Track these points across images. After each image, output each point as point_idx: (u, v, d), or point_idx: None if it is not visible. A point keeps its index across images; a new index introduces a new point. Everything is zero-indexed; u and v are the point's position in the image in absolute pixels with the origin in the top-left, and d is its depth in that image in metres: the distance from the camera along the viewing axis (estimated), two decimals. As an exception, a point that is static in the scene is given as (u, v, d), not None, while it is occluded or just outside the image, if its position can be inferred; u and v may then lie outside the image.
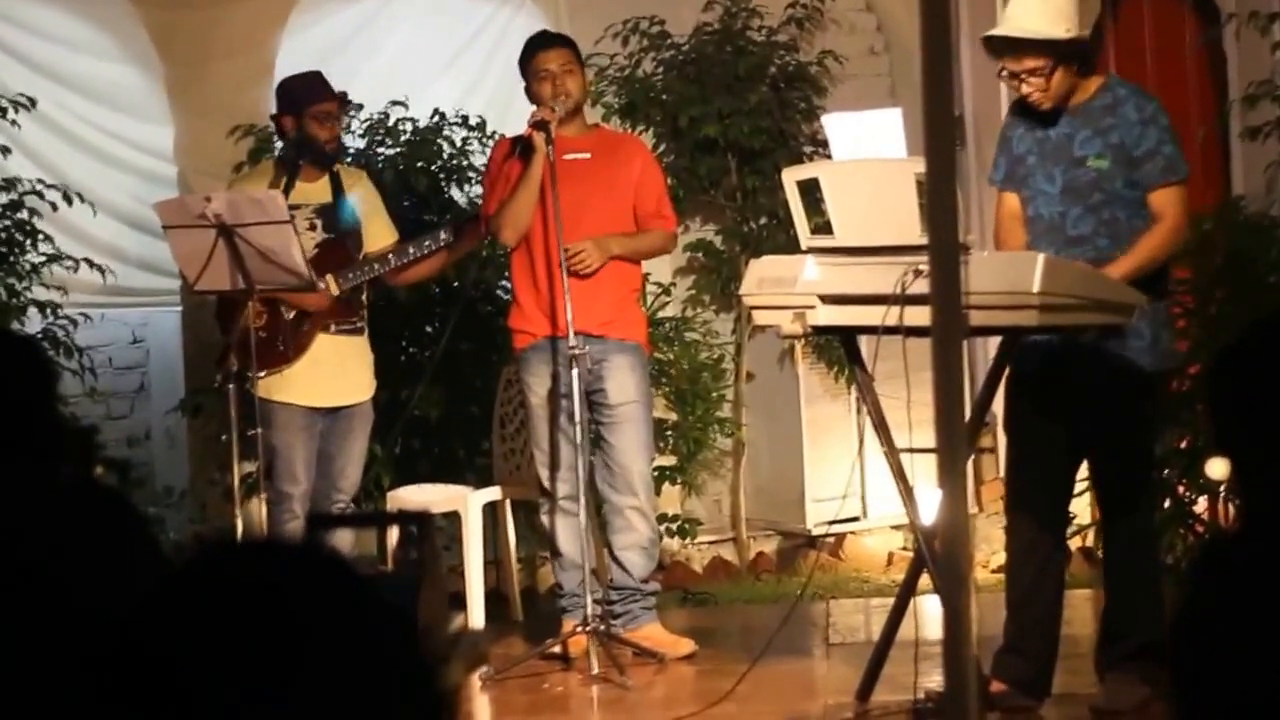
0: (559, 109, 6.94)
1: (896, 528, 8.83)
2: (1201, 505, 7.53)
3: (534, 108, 7.02)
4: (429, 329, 8.30)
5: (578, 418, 6.79)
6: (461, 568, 7.47)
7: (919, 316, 5.03)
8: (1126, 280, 5.72)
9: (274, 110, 7.48)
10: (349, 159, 7.83)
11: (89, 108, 8.62)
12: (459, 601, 7.28)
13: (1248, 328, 2.25)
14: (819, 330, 6.16)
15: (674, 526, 8.57)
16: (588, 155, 7.08)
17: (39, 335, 7.53)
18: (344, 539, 5.10)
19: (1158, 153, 5.85)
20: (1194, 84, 9.00)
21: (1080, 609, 7.05)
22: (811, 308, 5.96)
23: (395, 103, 8.44)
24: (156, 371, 8.76)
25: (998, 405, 6.35)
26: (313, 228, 7.22)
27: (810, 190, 6.18)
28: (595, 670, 6.69)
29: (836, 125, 6.31)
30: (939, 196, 2.11)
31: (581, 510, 6.79)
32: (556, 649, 7.01)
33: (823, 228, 6.12)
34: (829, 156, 6.58)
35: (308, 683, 1.47)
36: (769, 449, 9.01)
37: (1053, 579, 6.05)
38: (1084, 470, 6.21)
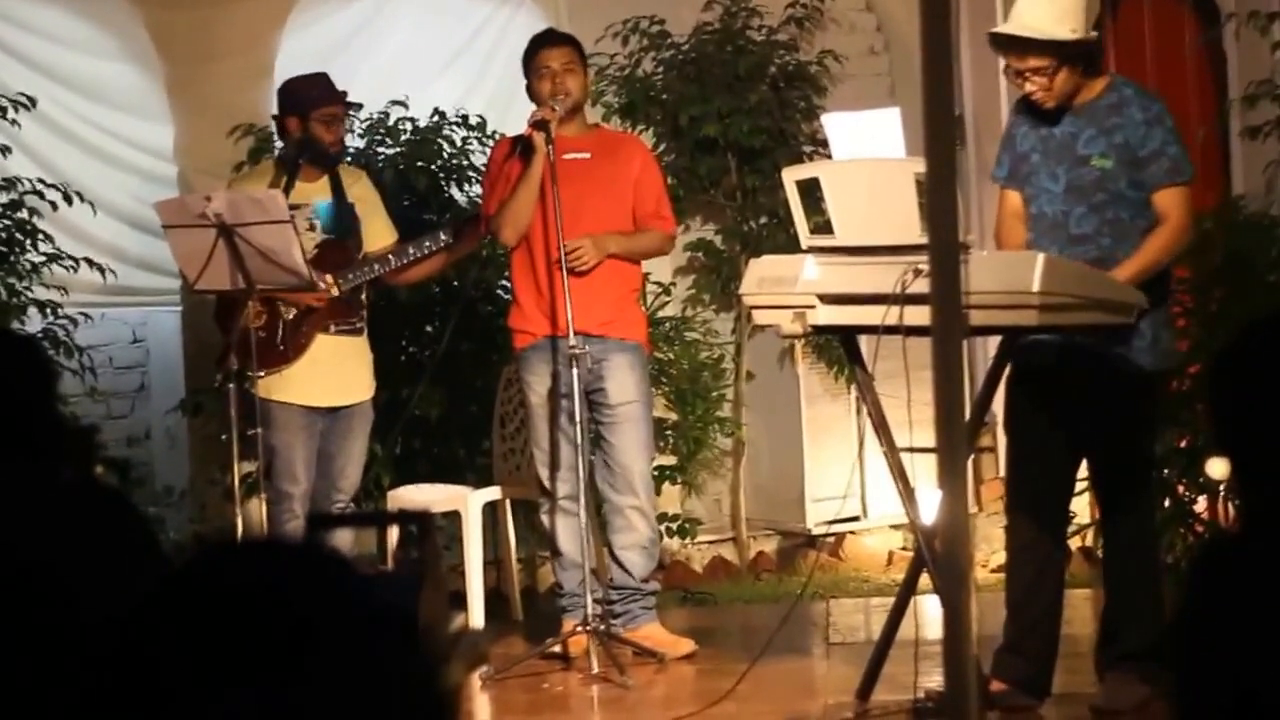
0: (559, 108, 6.93)
1: (896, 527, 8.83)
2: (1201, 505, 7.53)
3: (534, 107, 7.02)
4: (429, 329, 8.30)
5: (578, 417, 6.80)
6: (462, 567, 7.47)
7: (919, 316, 5.02)
8: (1133, 282, 5.73)
9: (276, 110, 7.48)
10: (348, 159, 7.82)
11: (89, 107, 8.61)
12: (459, 601, 7.28)
13: (1247, 327, 2.25)
14: (819, 330, 6.16)
15: (674, 526, 8.56)
16: (587, 155, 7.08)
17: (39, 335, 7.52)
18: (344, 539, 5.10)
19: (1163, 153, 5.85)
20: (1194, 84, 9.00)
21: (1080, 609, 7.05)
22: (811, 307, 5.96)
23: (395, 102, 8.44)
24: (157, 371, 8.76)
25: (998, 405, 6.35)
26: (312, 228, 7.22)
27: (810, 190, 6.18)
28: (595, 670, 6.69)
29: (836, 125, 6.31)
30: (939, 196, 2.11)
31: (582, 510, 6.79)
32: (556, 648, 7.01)
33: (823, 227, 6.12)
34: (829, 156, 6.58)
35: (308, 683, 1.47)
36: (769, 449, 9.01)
37: (1053, 578, 6.05)
38: (1084, 470, 6.22)
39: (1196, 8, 9.14)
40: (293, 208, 7.01)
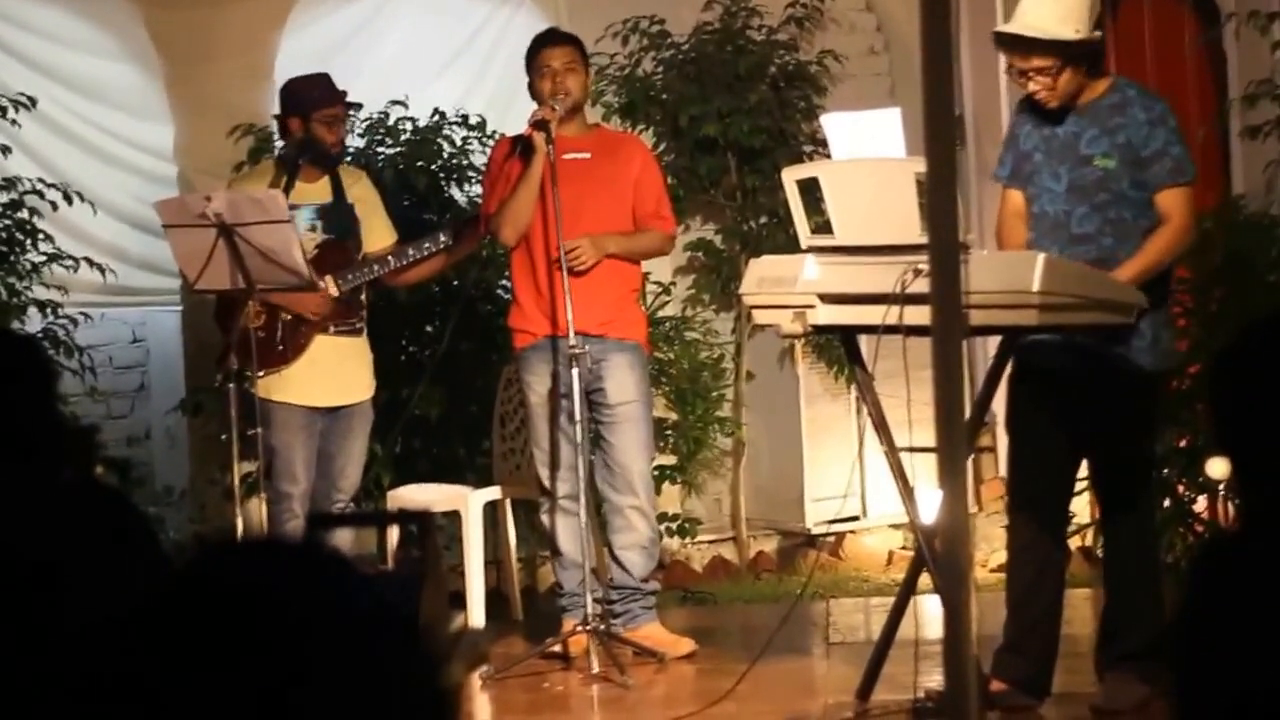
0: (559, 107, 6.94)
1: (896, 527, 8.83)
2: (1201, 505, 7.54)
3: (534, 106, 7.03)
4: (429, 328, 8.30)
5: (578, 417, 6.80)
6: (462, 567, 7.47)
7: (919, 316, 5.03)
8: (1135, 283, 5.73)
9: (277, 109, 7.48)
10: (348, 159, 7.82)
11: (89, 107, 8.61)
12: (459, 601, 7.28)
13: (1247, 327, 2.25)
14: (819, 329, 6.16)
15: (674, 526, 8.57)
16: (587, 155, 7.08)
17: (39, 335, 7.52)
18: (344, 539, 5.10)
19: (1166, 154, 5.85)
20: (1194, 83, 9.00)
21: (1080, 608, 7.05)
22: (811, 307, 5.96)
23: (395, 102, 8.44)
24: (157, 371, 8.76)
25: (998, 404, 6.36)
26: (313, 228, 7.22)
27: (810, 189, 6.18)
28: (595, 669, 6.69)
29: (836, 125, 6.31)
30: (939, 196, 2.11)
31: (582, 509, 6.79)
32: (557, 648, 7.02)
33: (822, 227, 6.13)
34: (829, 156, 6.58)
35: (308, 683, 1.47)
36: (769, 448, 9.01)
37: (1053, 578, 6.05)
38: (1084, 470, 6.22)
39: (1196, 7, 9.13)
40: (293, 208, 7.01)
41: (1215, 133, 8.48)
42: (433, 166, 8.41)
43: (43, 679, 2.45)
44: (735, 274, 8.44)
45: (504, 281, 8.01)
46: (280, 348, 7.11)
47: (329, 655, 1.48)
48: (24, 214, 7.77)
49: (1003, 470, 8.31)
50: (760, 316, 6.37)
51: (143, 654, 1.48)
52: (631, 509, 7.08)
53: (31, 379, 2.94)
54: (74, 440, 3.05)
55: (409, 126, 8.44)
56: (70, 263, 7.84)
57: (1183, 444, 7.40)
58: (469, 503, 7.58)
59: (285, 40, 8.72)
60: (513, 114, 7.95)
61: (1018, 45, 5.87)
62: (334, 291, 7.15)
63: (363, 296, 7.31)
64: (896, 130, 5.99)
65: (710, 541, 8.93)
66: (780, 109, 8.82)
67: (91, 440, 3.17)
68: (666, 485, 8.50)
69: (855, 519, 8.80)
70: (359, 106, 7.71)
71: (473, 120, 8.53)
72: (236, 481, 6.85)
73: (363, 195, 7.38)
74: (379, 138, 8.42)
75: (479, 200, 7.73)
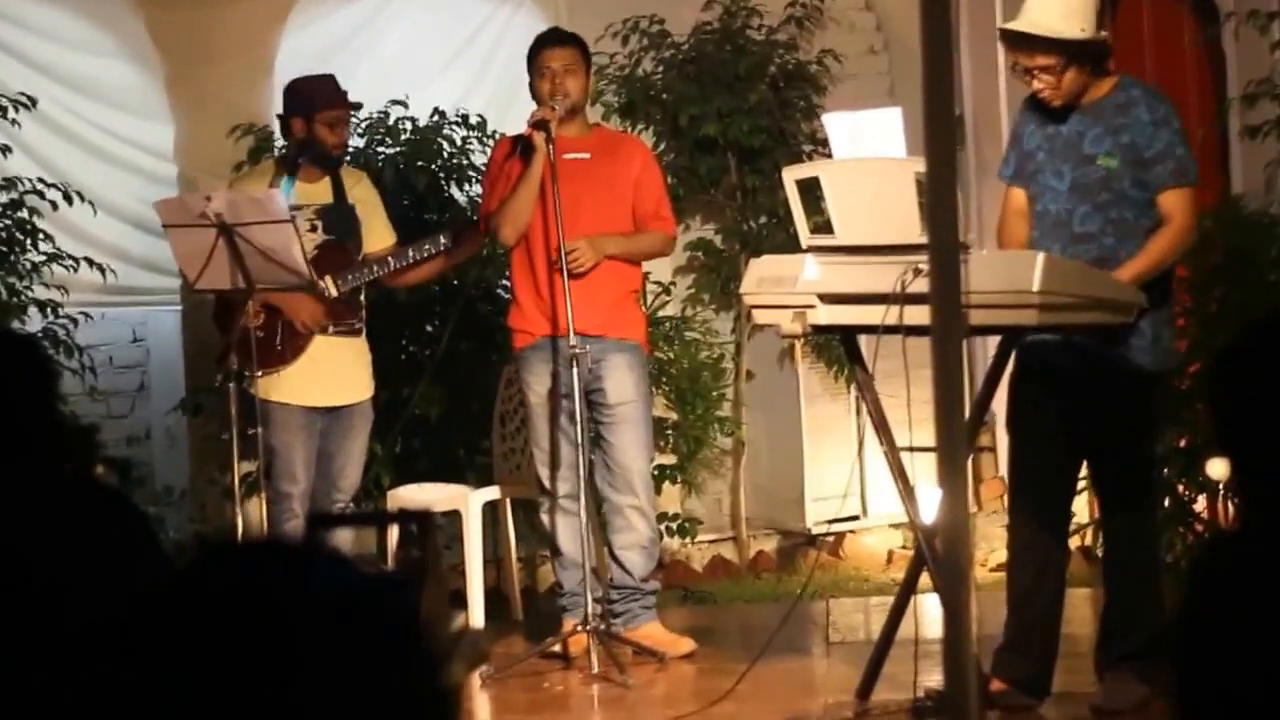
0: (558, 108, 6.94)
1: (896, 526, 8.84)
2: (1201, 505, 7.54)
3: (535, 106, 7.03)
4: (429, 328, 8.30)
5: (578, 417, 6.80)
6: (462, 566, 7.47)
7: (919, 315, 5.03)
8: (1135, 283, 5.73)
9: (278, 109, 7.47)
10: (348, 159, 7.82)
11: (89, 106, 8.62)
12: (459, 600, 7.28)
13: (1248, 327, 2.25)
14: (819, 329, 6.16)
15: (674, 525, 8.57)
16: (587, 155, 7.08)
17: (39, 334, 7.52)
18: (344, 538, 5.10)
19: (1169, 154, 5.85)
20: (1193, 83, 9.00)
21: (1080, 608, 7.05)
22: (811, 307, 5.96)
23: (395, 102, 8.44)
24: (157, 371, 8.76)
25: (997, 404, 6.36)
26: (313, 229, 7.22)
27: (810, 189, 6.18)
28: (595, 669, 6.69)
29: (836, 124, 6.31)
30: (939, 196, 2.11)
31: (582, 509, 6.79)
32: (557, 648, 7.02)
33: (823, 227, 6.12)
34: (829, 155, 6.58)
35: (309, 684, 1.47)
36: (769, 448, 9.01)
37: (1053, 578, 6.05)
38: (1084, 469, 6.22)
39: (1196, 7, 9.14)
40: (294, 208, 7.02)
41: (1214, 132, 8.49)
42: (433, 166, 8.41)
43: (43, 680, 2.45)
44: (735, 274, 8.44)
45: (504, 281, 8.01)
46: (279, 348, 7.11)
47: (329, 656, 1.48)
48: (24, 214, 7.77)
49: (1002, 470, 8.32)
50: (760, 316, 6.37)
51: (143, 657, 1.48)
52: (631, 509, 7.08)
53: (32, 379, 2.94)
54: (74, 440, 3.05)
55: (409, 126, 8.44)
56: (70, 262, 7.84)
57: (1183, 444, 7.41)
58: (469, 502, 7.58)
59: (285, 40, 8.72)
60: (513, 114, 7.95)
61: (1023, 43, 5.87)
62: (333, 292, 7.15)
63: (361, 297, 7.32)
64: (897, 130, 5.99)
65: (710, 541, 8.93)
66: (780, 109, 8.82)
67: (91, 440, 3.17)
68: (667, 485, 8.50)
69: (855, 519, 8.80)
70: (359, 106, 7.71)
71: (473, 120, 8.53)
72: (236, 481, 6.85)
73: (364, 196, 7.38)
74: (379, 137, 8.42)
75: (479, 200, 7.73)
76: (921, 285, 5.46)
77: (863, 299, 5.81)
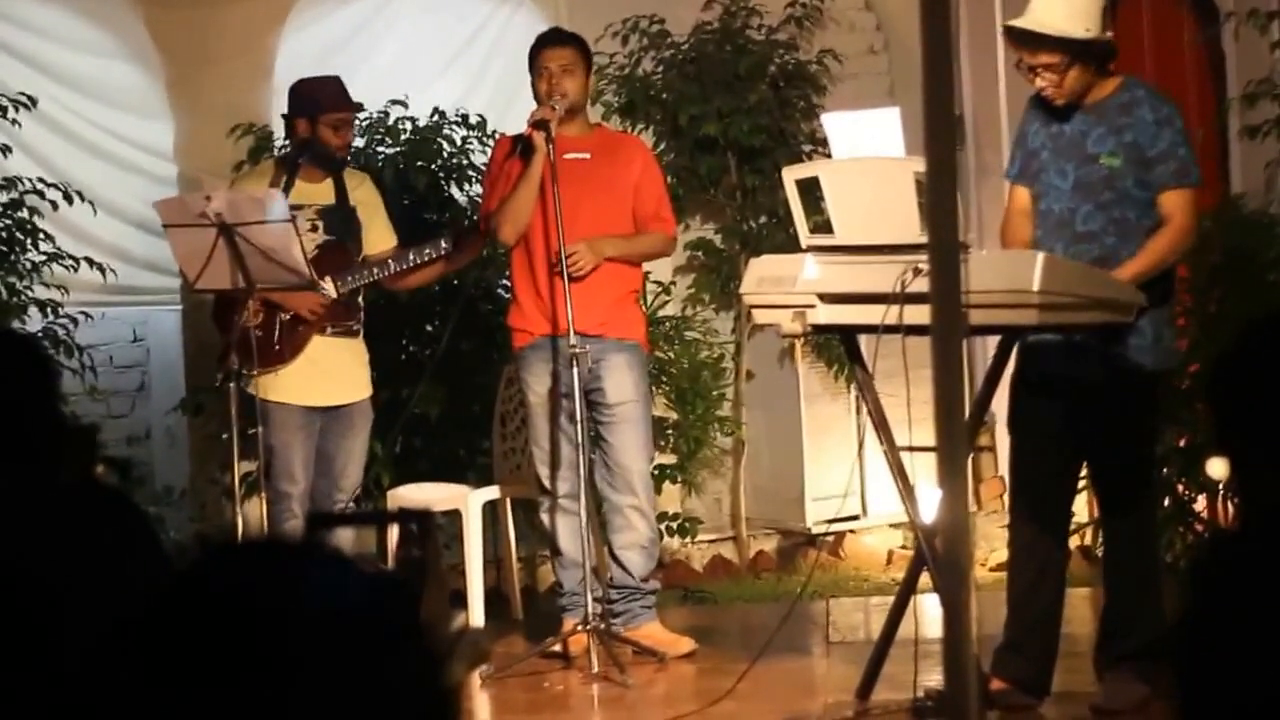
0: (558, 108, 6.94)
1: (896, 526, 8.84)
2: (1201, 505, 7.54)
3: (535, 105, 7.03)
4: (429, 327, 8.30)
5: (578, 416, 6.80)
6: (462, 566, 7.48)
7: (919, 315, 5.03)
8: (1135, 283, 5.74)
9: (278, 108, 7.47)
10: (349, 159, 7.82)
11: (89, 106, 8.61)
12: (459, 600, 7.28)
13: (1248, 327, 2.25)
14: (819, 329, 6.16)
15: (674, 525, 8.57)
16: (587, 155, 7.08)
17: (39, 334, 7.52)
18: (344, 538, 5.10)
19: (1171, 155, 5.86)
20: (1193, 82, 9.01)
21: (1079, 608, 7.05)
22: (811, 306, 5.96)
23: (395, 102, 8.44)
24: (157, 370, 8.75)
25: (997, 404, 6.36)
26: (314, 229, 7.22)
27: (810, 189, 6.18)
28: (595, 669, 6.69)
29: (836, 124, 6.31)
30: (939, 195, 2.11)
31: (582, 509, 6.79)
32: (557, 647, 7.02)
33: (822, 226, 6.13)
34: (828, 155, 6.58)
35: (310, 684, 1.47)
36: (769, 448, 9.01)
37: (1053, 578, 6.05)
38: (1084, 469, 6.22)
39: (1195, 7, 9.14)
40: (295, 208, 7.03)
41: (1214, 132, 8.49)
42: (433, 166, 8.41)
43: (43, 680, 2.45)
44: (735, 273, 8.44)
45: (504, 281, 8.01)
46: (277, 347, 7.11)
47: (329, 656, 1.48)
48: (24, 214, 7.77)
49: (1003, 469, 8.33)
50: (760, 316, 6.37)
51: (142, 658, 1.48)
52: (631, 509, 7.08)
53: (32, 378, 2.94)
54: (75, 439, 3.05)
55: (409, 126, 8.44)
56: (70, 262, 7.84)
57: (1183, 444, 7.41)
58: (469, 502, 7.58)
59: (285, 40, 8.72)
60: (513, 114, 7.95)
61: (1027, 41, 5.88)
62: (333, 293, 7.15)
63: (360, 299, 7.32)
64: (896, 130, 5.99)
65: (710, 541, 8.93)
66: (780, 108, 8.82)
67: (92, 439, 3.17)
68: (667, 485, 8.51)
69: (855, 518, 8.80)
70: (360, 107, 7.71)
71: (473, 120, 8.53)
72: (236, 481, 6.86)
73: (365, 198, 7.38)
74: (379, 137, 8.42)
75: (479, 200, 7.73)
76: (921, 285, 5.46)
77: (862, 298, 5.81)
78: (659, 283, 8.64)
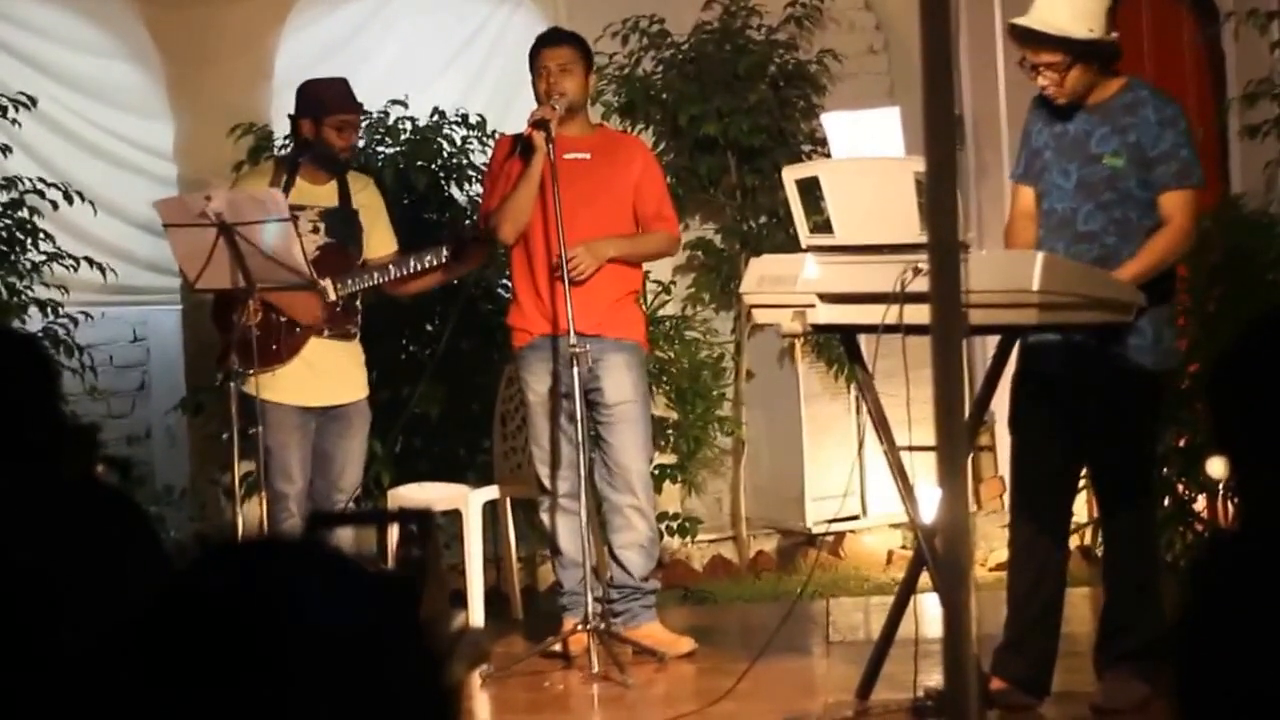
0: (557, 107, 6.94)
1: (896, 526, 8.84)
2: (1201, 504, 7.54)
3: (535, 104, 7.03)
4: (429, 327, 8.30)
5: (578, 416, 6.80)
6: (462, 566, 7.48)
7: (919, 315, 5.03)
8: (1134, 283, 5.74)
9: (280, 108, 7.47)
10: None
11: (89, 106, 8.61)
12: (459, 600, 7.28)
13: (1248, 326, 2.25)
14: (819, 329, 6.17)
15: (674, 525, 8.57)
16: (587, 155, 7.08)
17: (40, 334, 7.52)
18: (344, 538, 5.10)
19: (1174, 155, 5.86)
20: (1192, 82, 9.01)
21: (1079, 607, 7.05)
22: (811, 306, 5.96)
23: (395, 102, 8.44)
24: (157, 370, 8.76)
25: (997, 404, 6.36)
26: (316, 230, 7.22)
27: (810, 189, 6.18)
28: (596, 668, 6.69)
29: (835, 124, 6.31)
30: (938, 195, 2.11)
31: (582, 508, 6.79)
32: (557, 647, 7.02)
33: (822, 226, 6.13)
34: (828, 155, 6.58)
35: (310, 683, 1.47)
36: (769, 447, 9.01)
37: (1053, 577, 6.05)
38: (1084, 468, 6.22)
39: (1195, 6, 9.14)
40: (298, 209, 7.03)
41: (1214, 132, 8.49)
42: (433, 166, 8.41)
43: (42, 680, 2.45)
44: (735, 273, 8.44)
45: (505, 280, 8.01)
46: (275, 347, 7.11)
47: (329, 656, 1.48)
48: (24, 213, 7.78)
49: (1003, 469, 8.33)
50: (760, 316, 6.37)
51: (142, 658, 1.48)
52: (630, 508, 7.08)
53: (33, 378, 2.94)
54: (75, 439, 3.05)
55: (409, 126, 8.44)
56: (70, 262, 7.84)
57: (1182, 444, 7.41)
58: (469, 501, 7.58)
59: (285, 40, 8.72)
60: (513, 113, 7.95)
61: (1030, 39, 5.89)
62: (332, 295, 7.15)
63: (358, 302, 7.31)
64: (896, 130, 5.99)
65: (710, 541, 8.93)
66: (780, 108, 8.82)
67: (92, 439, 3.17)
68: (667, 484, 8.51)
69: (855, 518, 8.80)
70: (364, 109, 7.71)
71: (473, 120, 8.53)
72: (236, 481, 6.86)
73: (368, 202, 7.38)
74: (379, 137, 8.42)
75: (479, 200, 7.73)
76: (921, 284, 5.46)
77: (862, 298, 5.81)
78: (659, 282, 8.64)
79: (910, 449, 5.78)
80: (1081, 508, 7.12)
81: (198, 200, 6.88)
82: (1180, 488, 7.47)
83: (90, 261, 7.87)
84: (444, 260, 7.24)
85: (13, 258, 7.74)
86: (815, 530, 8.71)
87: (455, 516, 7.59)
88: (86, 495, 2.91)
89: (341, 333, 7.24)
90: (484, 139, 8.46)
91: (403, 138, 8.41)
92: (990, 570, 7.94)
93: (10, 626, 2.59)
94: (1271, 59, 7.96)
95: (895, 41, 9.41)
